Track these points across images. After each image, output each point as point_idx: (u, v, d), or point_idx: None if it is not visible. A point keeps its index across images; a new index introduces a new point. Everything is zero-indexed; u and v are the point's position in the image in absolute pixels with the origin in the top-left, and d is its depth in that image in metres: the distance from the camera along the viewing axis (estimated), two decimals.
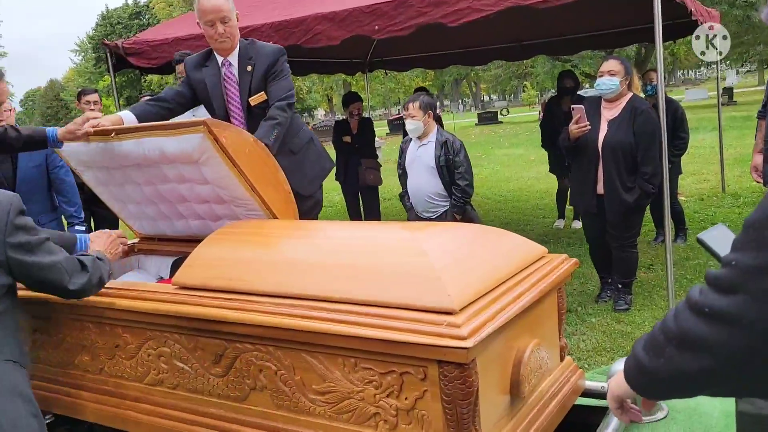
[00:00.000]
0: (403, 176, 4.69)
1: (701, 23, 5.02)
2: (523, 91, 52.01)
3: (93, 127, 2.71)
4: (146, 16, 42.90)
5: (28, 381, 1.93)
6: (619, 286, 4.46)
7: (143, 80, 28.43)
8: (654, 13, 4.15)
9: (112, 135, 2.73)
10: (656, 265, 5.39)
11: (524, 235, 2.40)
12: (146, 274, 3.25)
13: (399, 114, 29.14)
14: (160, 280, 3.09)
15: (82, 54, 52.57)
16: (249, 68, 3.20)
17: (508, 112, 38.62)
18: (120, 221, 3.61)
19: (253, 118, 3.20)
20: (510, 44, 8.23)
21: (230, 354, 2.12)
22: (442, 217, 4.47)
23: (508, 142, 20.40)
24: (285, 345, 1.99)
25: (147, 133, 2.67)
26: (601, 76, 4.24)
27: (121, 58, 5.81)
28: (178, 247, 3.13)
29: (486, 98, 64.64)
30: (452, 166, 4.38)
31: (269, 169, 2.81)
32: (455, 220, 4.45)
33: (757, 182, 4.89)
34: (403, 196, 4.70)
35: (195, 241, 2.60)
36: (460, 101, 59.77)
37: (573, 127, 4.25)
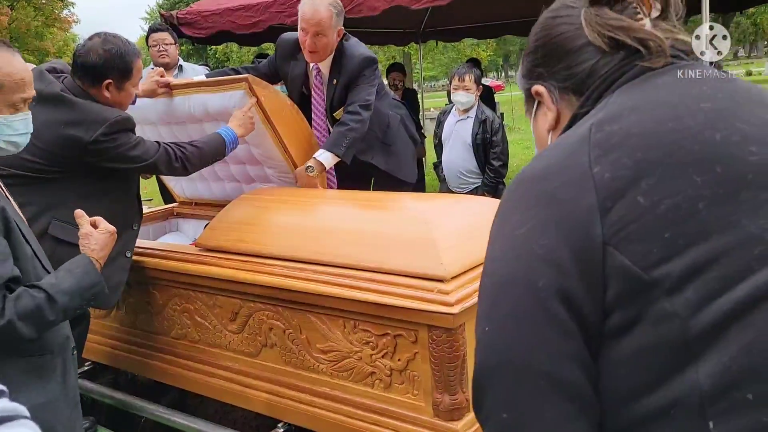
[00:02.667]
0: (438, 147, 4.72)
1: None
2: None
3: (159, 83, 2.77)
4: None
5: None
6: None
7: (209, 49, 28.92)
8: None
9: (168, 90, 2.82)
10: None
11: None
12: (184, 237, 3.44)
13: None
14: (194, 242, 3.26)
15: (152, 22, 53.92)
16: (335, 81, 2.97)
17: None
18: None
19: None
20: None
21: (244, 312, 2.26)
22: (472, 194, 4.46)
23: None
24: (292, 306, 2.11)
25: (194, 90, 2.79)
26: None
27: (176, 28, 5.99)
28: (214, 211, 3.27)
29: None
30: (488, 146, 4.35)
31: (303, 135, 2.92)
32: None
33: None
34: (437, 166, 4.73)
35: None
36: None
37: None
